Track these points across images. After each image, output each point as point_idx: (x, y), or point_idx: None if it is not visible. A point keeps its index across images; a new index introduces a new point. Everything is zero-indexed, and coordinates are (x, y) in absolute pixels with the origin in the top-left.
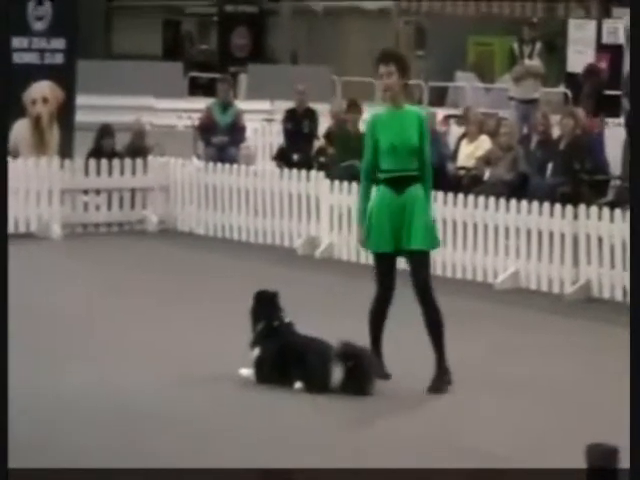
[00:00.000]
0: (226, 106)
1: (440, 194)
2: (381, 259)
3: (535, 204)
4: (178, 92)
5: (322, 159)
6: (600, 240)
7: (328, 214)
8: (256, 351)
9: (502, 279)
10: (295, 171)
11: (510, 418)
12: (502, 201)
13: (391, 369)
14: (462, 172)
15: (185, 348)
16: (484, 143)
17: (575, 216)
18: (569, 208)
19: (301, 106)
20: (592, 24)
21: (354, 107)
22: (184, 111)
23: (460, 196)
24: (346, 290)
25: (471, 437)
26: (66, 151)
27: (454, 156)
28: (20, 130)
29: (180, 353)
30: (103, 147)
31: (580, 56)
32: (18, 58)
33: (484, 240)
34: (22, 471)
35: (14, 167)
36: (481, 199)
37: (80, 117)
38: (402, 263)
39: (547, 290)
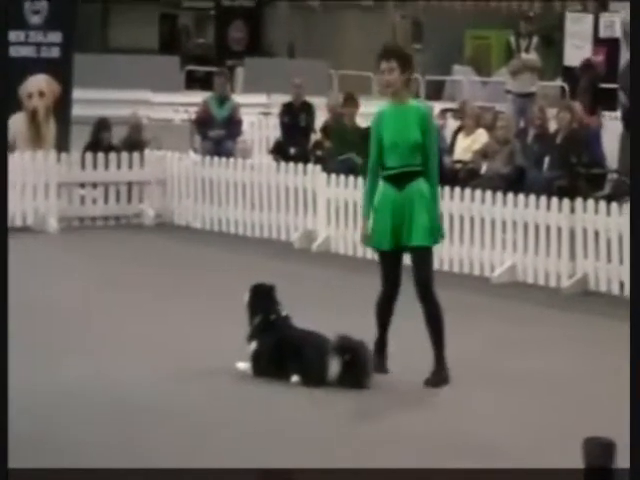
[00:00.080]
0: (223, 100)
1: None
2: (384, 256)
3: (532, 198)
4: (175, 86)
5: (319, 153)
6: (597, 234)
7: (325, 208)
8: (253, 345)
9: (499, 273)
10: (292, 165)
11: (507, 412)
12: (499, 195)
13: (390, 362)
14: (459, 166)
15: (182, 342)
16: (481, 137)
17: (572, 210)
18: (566, 202)
19: (298, 100)
20: (589, 18)
21: (351, 101)
22: (181, 105)
23: (457, 190)
24: (343, 284)
25: (469, 431)
26: (63, 145)
27: (450, 150)
28: (17, 124)
29: (177, 347)
30: (102, 140)
31: (577, 50)
32: (14, 52)
33: (481, 234)
34: (22, 471)
35: (11, 161)
36: (478, 193)
37: (77, 111)
38: (407, 259)
39: (544, 284)
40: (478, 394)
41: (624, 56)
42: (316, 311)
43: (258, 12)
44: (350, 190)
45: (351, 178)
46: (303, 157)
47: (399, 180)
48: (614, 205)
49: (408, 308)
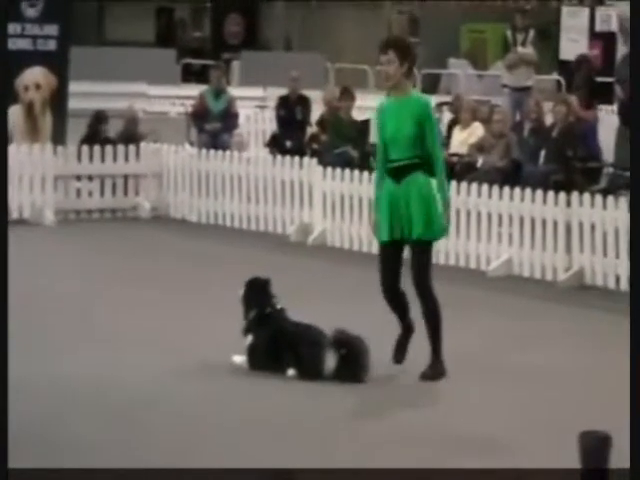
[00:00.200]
0: (219, 93)
1: (433, 181)
2: (382, 248)
3: (528, 191)
4: (171, 79)
5: (315, 146)
6: (593, 227)
7: (321, 201)
8: (249, 338)
9: (495, 266)
10: (288, 158)
11: (504, 406)
12: (495, 188)
13: (387, 356)
14: (455, 159)
15: (177, 334)
16: (477, 130)
17: (568, 203)
18: (562, 195)
19: (294, 93)
20: (585, 12)
21: (347, 94)
22: (177, 98)
23: (453, 183)
24: (339, 277)
25: (467, 426)
26: (59, 137)
27: (446, 143)
28: (13, 116)
29: (172, 339)
30: (99, 133)
31: (573, 44)
32: (11, 44)
33: (477, 227)
34: (22, 471)
35: (7, 153)
36: (474, 186)
37: (73, 104)
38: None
39: (540, 277)
40: (475, 388)
41: (620, 50)
42: (312, 304)
43: (254, 5)
44: (346, 183)
45: (347, 171)
46: (299, 150)
47: (398, 173)
48: (610, 199)
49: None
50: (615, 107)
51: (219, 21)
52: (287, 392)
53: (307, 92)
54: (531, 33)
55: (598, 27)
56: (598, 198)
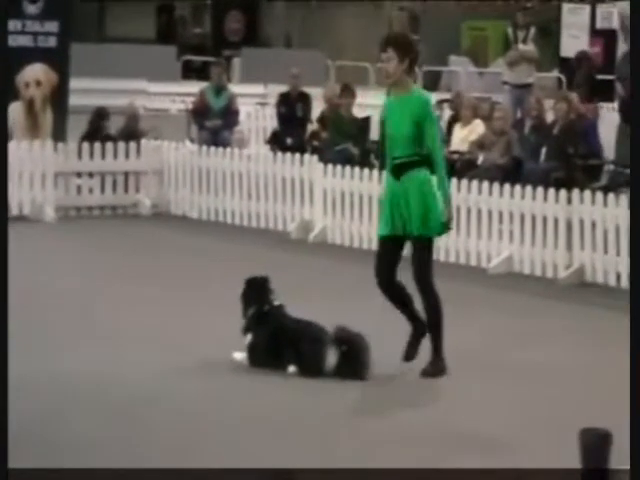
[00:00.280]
0: (220, 90)
1: (434, 179)
2: (381, 242)
3: (529, 189)
4: (171, 76)
5: (315, 143)
6: (594, 225)
7: (321, 198)
8: (248, 337)
9: (495, 263)
10: (288, 155)
11: (505, 403)
12: (496, 185)
13: (388, 353)
14: (456, 156)
15: (177, 331)
16: (478, 127)
17: (569, 201)
18: (563, 193)
19: (295, 90)
20: (586, 9)
21: (347, 91)
22: (177, 95)
23: (454, 180)
24: (340, 274)
25: (467, 424)
26: (59, 134)
27: (446, 140)
28: (13, 113)
29: (172, 336)
30: (100, 129)
31: (574, 41)
32: (11, 41)
33: (478, 224)
34: (22, 471)
35: (8, 150)
36: (475, 183)
37: (73, 100)
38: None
39: (540, 275)
40: (475, 385)
41: (621, 47)
42: (313, 301)
43: (255, 2)
44: (347, 180)
45: (348, 168)
46: (300, 147)
47: (398, 170)
48: (611, 196)
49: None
50: (616, 104)
51: (219, 18)
52: (287, 389)
53: (308, 89)
54: (532, 30)
55: (599, 24)
56: (599, 195)
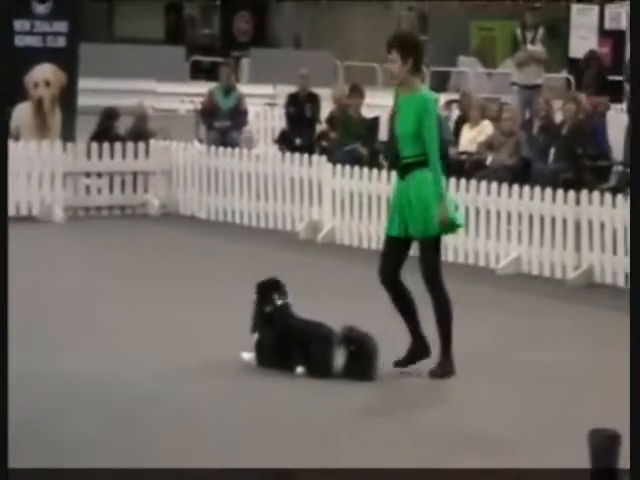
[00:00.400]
0: (228, 90)
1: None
2: (388, 240)
3: (537, 189)
4: (180, 76)
5: (324, 143)
6: (602, 225)
7: (330, 198)
8: (255, 336)
9: (504, 264)
10: (297, 155)
11: (514, 404)
12: (504, 186)
13: (396, 353)
14: (464, 157)
15: (187, 331)
16: (486, 128)
17: (577, 201)
18: (571, 193)
19: (303, 90)
20: (595, 9)
21: (356, 92)
22: (186, 95)
23: (462, 181)
24: (348, 274)
25: (476, 425)
26: (68, 134)
27: (453, 140)
28: (22, 113)
29: (181, 336)
30: (110, 129)
31: (583, 41)
32: (20, 41)
33: (486, 225)
34: (22, 471)
35: (16, 150)
36: (483, 184)
37: (82, 101)
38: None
39: (549, 275)
40: (484, 386)
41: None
42: (321, 302)
43: (264, 2)
44: (355, 181)
45: (356, 169)
46: (308, 148)
47: (403, 171)
48: (619, 197)
49: (418, 299)
50: (625, 105)
51: (228, 18)
52: (295, 390)
53: (316, 90)
54: (540, 31)
55: (607, 25)
56: (607, 196)
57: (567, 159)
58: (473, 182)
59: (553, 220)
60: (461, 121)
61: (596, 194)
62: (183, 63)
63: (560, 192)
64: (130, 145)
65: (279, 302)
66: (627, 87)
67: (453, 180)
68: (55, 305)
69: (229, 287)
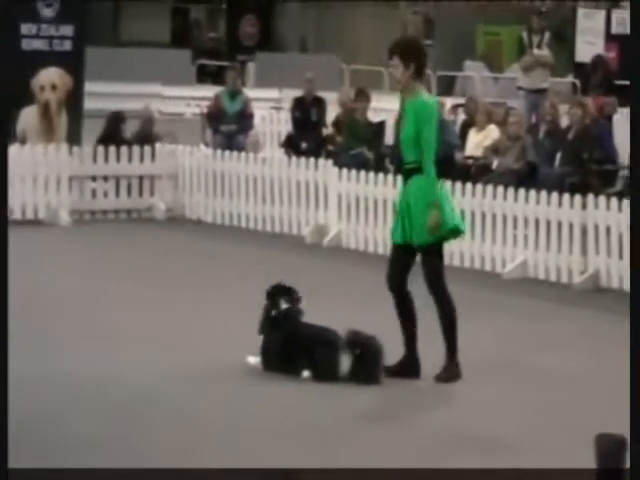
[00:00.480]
0: (234, 94)
1: (448, 183)
2: (394, 247)
3: (543, 194)
4: (186, 80)
5: (330, 147)
6: (608, 230)
7: (336, 202)
8: (261, 339)
9: (510, 269)
10: (303, 159)
11: (519, 408)
12: (510, 190)
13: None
14: (470, 161)
15: (193, 335)
16: (492, 132)
17: (583, 206)
18: (577, 198)
19: (309, 94)
20: (601, 14)
21: (362, 96)
22: (192, 99)
23: (468, 185)
24: (354, 279)
25: (482, 428)
26: (74, 138)
27: (461, 145)
28: (28, 117)
29: (188, 340)
30: (118, 132)
31: (589, 46)
32: (27, 45)
33: (492, 229)
34: (22, 471)
35: (22, 153)
36: (489, 188)
37: (88, 104)
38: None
39: (555, 280)
40: (489, 390)
41: None
42: (327, 306)
43: (270, 6)
44: (361, 185)
45: (362, 173)
46: (314, 151)
47: (405, 176)
48: (626, 201)
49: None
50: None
51: (234, 22)
52: (299, 393)
53: (322, 93)
54: (547, 35)
55: (614, 29)
56: (614, 201)
57: (573, 163)
58: (479, 186)
59: (559, 224)
60: (467, 125)
61: (602, 198)
62: (189, 67)
63: (566, 196)
64: (136, 149)
65: (284, 306)
66: None
67: (459, 184)
68: (61, 308)
69: (234, 290)
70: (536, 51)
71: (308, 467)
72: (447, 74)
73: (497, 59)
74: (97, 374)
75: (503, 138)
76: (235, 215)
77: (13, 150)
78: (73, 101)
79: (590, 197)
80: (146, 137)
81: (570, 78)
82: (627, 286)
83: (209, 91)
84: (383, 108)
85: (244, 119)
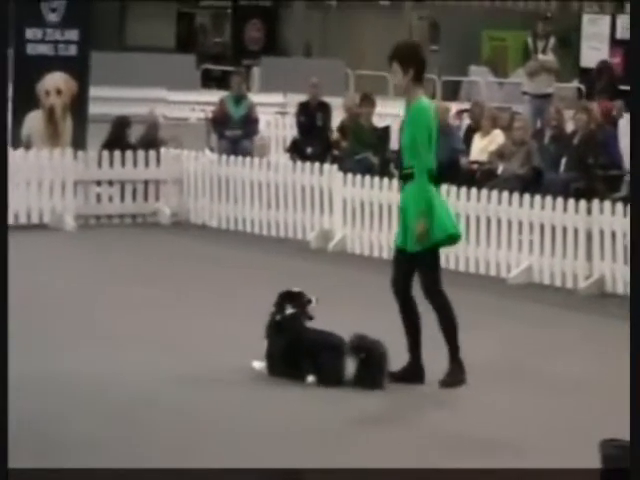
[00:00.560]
0: (239, 99)
1: (453, 188)
2: (396, 252)
3: (549, 199)
4: (191, 84)
5: (335, 152)
6: (614, 235)
7: (341, 207)
8: (265, 344)
9: (515, 274)
10: (308, 164)
11: (524, 413)
12: (515, 196)
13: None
14: (475, 166)
15: (198, 340)
16: (497, 137)
17: (589, 211)
18: (582, 203)
19: (314, 99)
20: (606, 19)
21: (367, 101)
22: (197, 104)
23: (473, 190)
24: (359, 283)
25: (485, 433)
26: (79, 142)
27: (466, 150)
28: (33, 121)
29: (193, 345)
30: (123, 137)
31: (594, 51)
32: (32, 49)
33: (497, 235)
34: (22, 471)
35: (28, 158)
36: (494, 193)
37: (93, 109)
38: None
39: (560, 285)
40: (494, 394)
41: None
42: (332, 311)
43: (275, 11)
44: (366, 190)
45: (367, 178)
46: (319, 156)
47: (403, 182)
48: None
49: (424, 307)
50: None
51: (239, 27)
52: (304, 397)
53: (327, 98)
54: (552, 40)
55: (619, 35)
56: (619, 206)
57: (578, 169)
58: (484, 191)
59: (564, 230)
60: (472, 130)
61: (607, 204)
62: (194, 71)
63: (571, 202)
64: (141, 153)
65: (289, 311)
66: None
67: (464, 189)
68: (59, 308)
69: (238, 295)
70: (541, 56)
71: (308, 467)
72: (452, 79)
73: (502, 64)
74: (98, 375)
75: (508, 143)
76: (240, 220)
77: (18, 155)
78: (78, 106)
79: (595, 202)
80: (151, 142)
81: (575, 83)
82: None
83: (214, 96)
84: (388, 113)
85: (249, 124)
